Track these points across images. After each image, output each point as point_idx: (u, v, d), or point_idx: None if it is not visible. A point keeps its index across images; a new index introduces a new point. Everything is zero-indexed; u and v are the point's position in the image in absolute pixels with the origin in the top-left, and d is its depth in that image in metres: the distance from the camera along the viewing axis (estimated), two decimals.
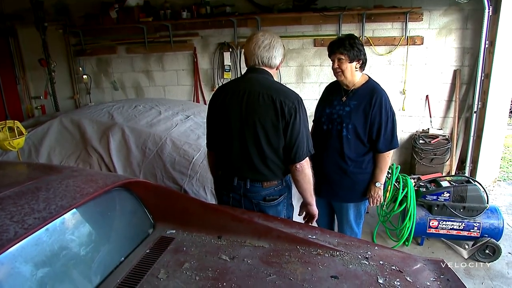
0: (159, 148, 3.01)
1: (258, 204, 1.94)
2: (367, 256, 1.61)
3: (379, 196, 2.37)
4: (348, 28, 4.58)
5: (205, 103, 5.13)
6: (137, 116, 3.40)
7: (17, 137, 1.80)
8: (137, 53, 5.22)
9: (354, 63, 2.20)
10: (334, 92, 2.39)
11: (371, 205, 2.42)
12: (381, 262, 1.57)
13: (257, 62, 1.91)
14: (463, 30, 4.37)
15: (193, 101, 5.16)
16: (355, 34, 4.43)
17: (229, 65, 4.90)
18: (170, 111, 3.60)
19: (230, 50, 4.87)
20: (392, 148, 2.28)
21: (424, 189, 3.22)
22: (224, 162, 2.00)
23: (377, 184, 2.33)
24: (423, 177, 4.16)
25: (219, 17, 4.71)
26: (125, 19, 4.88)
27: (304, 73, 4.85)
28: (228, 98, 1.91)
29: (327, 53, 2.31)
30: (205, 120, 3.45)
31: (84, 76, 5.43)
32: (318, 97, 4.71)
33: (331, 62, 2.29)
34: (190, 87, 5.22)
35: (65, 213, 1.24)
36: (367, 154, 2.31)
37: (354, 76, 2.25)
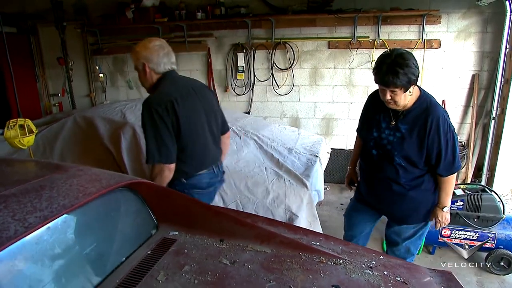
0: None
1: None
2: (371, 265, 1.57)
3: (446, 220, 2.13)
4: (363, 31, 4.52)
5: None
6: None
7: (27, 135, 1.83)
8: None
9: (410, 88, 1.87)
10: (381, 110, 2.06)
11: (437, 228, 2.23)
12: (385, 272, 1.53)
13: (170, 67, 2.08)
14: (483, 34, 4.25)
15: None
16: (370, 37, 4.47)
17: (243, 66, 4.90)
18: None
19: (244, 51, 4.86)
20: (455, 171, 2.01)
21: None
22: (201, 156, 2.13)
23: (444, 209, 2.09)
24: None
25: (234, 18, 4.71)
26: (140, 19, 4.94)
27: (318, 75, 4.80)
28: (187, 100, 2.02)
29: (374, 78, 1.92)
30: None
31: (101, 75, 5.52)
32: (332, 100, 4.76)
33: (379, 89, 1.96)
34: None
35: (67, 212, 1.25)
36: (425, 174, 2.06)
37: (408, 100, 1.92)
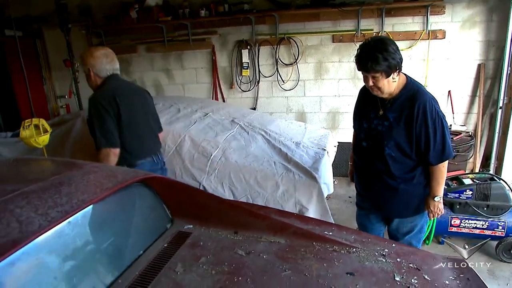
0: (178, 145, 3.07)
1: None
2: (383, 253, 1.59)
3: (439, 210, 2.10)
4: (367, 23, 4.52)
5: (223, 101, 5.18)
6: None
7: (42, 134, 1.87)
8: (156, 52, 5.31)
9: (392, 75, 1.87)
10: (370, 101, 2.09)
11: (431, 219, 2.20)
12: (398, 259, 1.55)
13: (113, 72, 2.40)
14: (488, 23, 4.22)
15: (212, 99, 5.21)
16: (374, 29, 4.47)
17: (248, 62, 4.92)
18: (189, 109, 3.65)
19: (248, 47, 4.87)
20: (445, 159, 1.98)
21: (446, 187, 3.14)
22: (140, 147, 2.41)
23: (436, 198, 2.06)
24: None
25: (237, 15, 4.72)
26: (144, 19, 4.97)
27: (322, 70, 4.81)
28: (127, 98, 2.31)
29: (356, 66, 1.96)
30: (222, 117, 3.51)
31: None
32: (337, 94, 4.78)
33: (363, 76, 1.96)
34: (209, 85, 5.27)
35: (86, 206, 1.28)
36: (417, 167, 2.05)
37: (392, 87, 1.93)
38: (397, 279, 1.42)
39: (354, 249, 1.59)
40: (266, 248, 1.56)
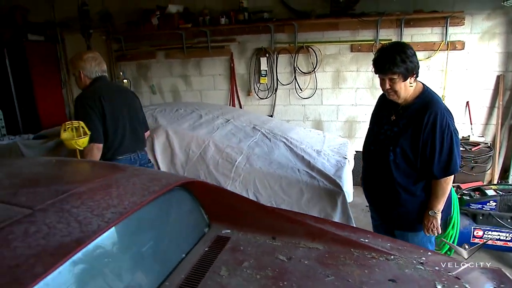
0: (202, 151, 3.10)
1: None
2: (421, 261, 1.60)
3: (434, 226, 2.02)
4: (386, 34, 4.56)
5: (240, 107, 5.22)
6: (179, 119, 3.52)
7: (83, 136, 1.92)
8: (175, 58, 5.39)
9: (409, 79, 1.89)
10: (385, 107, 2.10)
11: (426, 234, 2.08)
12: (436, 268, 1.56)
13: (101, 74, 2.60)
14: (508, 34, 4.24)
15: (229, 106, 5.26)
16: (393, 40, 4.50)
17: (266, 70, 4.97)
18: (211, 115, 3.70)
19: (267, 55, 4.93)
20: (450, 174, 1.92)
21: (468, 197, 3.14)
22: (120, 145, 2.55)
23: (430, 212, 2.00)
24: (463, 185, 4.05)
25: (257, 23, 4.79)
26: (165, 26, 5.06)
27: (340, 79, 4.84)
28: (111, 98, 2.50)
29: (373, 69, 1.97)
30: (243, 124, 3.54)
31: (125, 80, 5.64)
32: (354, 103, 4.80)
33: (379, 80, 1.98)
34: (226, 92, 5.32)
35: (138, 209, 1.31)
36: (421, 180, 2.01)
37: (409, 92, 1.93)
38: (439, 287, 1.42)
39: (392, 257, 1.60)
40: (305, 254, 1.57)
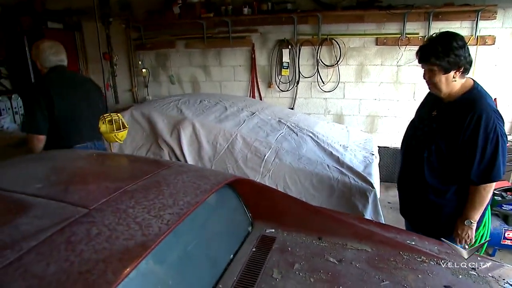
0: (230, 144, 3.07)
1: None
2: (473, 267, 1.56)
3: (468, 237, 1.90)
4: (413, 27, 4.44)
5: (261, 99, 5.16)
6: (204, 111, 3.48)
7: (122, 130, 1.89)
8: (195, 48, 5.32)
9: (452, 73, 1.77)
10: (430, 102, 2.01)
11: (457, 244, 1.92)
12: (489, 274, 1.52)
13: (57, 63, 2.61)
14: None
15: (249, 97, 5.20)
16: (420, 33, 4.39)
17: (288, 62, 4.88)
18: (235, 107, 3.65)
19: (290, 47, 4.84)
20: (490, 181, 1.78)
21: (500, 198, 3.08)
22: (75, 133, 2.60)
23: (466, 222, 1.86)
24: None
25: (280, 14, 4.68)
26: (186, 15, 4.98)
27: (363, 72, 4.75)
28: (64, 87, 2.55)
29: (416, 59, 1.89)
30: (269, 117, 3.49)
31: (143, 70, 5.60)
32: (377, 97, 4.72)
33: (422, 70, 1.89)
34: (246, 83, 5.26)
35: (194, 209, 1.28)
36: (454, 184, 1.89)
37: (451, 87, 1.82)
38: None
39: (442, 261, 1.56)
40: (355, 256, 1.54)
